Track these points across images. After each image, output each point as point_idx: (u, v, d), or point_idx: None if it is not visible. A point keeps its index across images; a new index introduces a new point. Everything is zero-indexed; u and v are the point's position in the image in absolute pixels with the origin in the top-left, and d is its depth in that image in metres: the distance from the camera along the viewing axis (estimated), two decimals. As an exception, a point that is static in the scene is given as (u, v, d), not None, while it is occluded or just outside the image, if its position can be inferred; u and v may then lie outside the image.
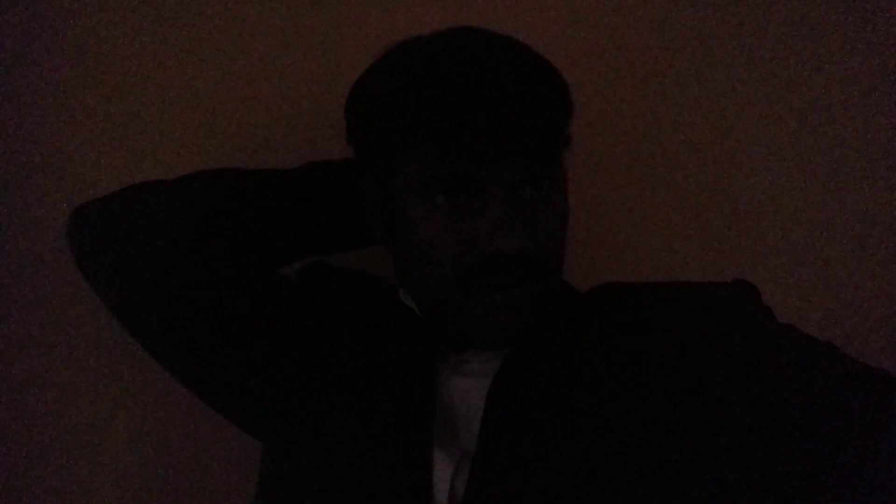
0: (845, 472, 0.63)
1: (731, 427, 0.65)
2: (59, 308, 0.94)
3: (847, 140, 0.97)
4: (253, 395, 0.80)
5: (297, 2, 0.97)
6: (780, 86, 0.98)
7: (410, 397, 0.73)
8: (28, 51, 0.95)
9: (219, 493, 0.96)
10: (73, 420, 0.95)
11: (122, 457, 0.95)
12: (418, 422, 0.71)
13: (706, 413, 0.66)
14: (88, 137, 0.96)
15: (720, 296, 0.72)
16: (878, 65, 0.97)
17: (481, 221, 0.67)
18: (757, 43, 0.98)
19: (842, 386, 0.66)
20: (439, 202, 0.68)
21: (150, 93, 0.96)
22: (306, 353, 0.79)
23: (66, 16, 0.95)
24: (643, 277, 0.94)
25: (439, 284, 0.69)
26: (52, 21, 0.95)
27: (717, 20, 0.98)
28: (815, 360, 0.67)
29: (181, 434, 0.96)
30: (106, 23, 0.96)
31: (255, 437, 0.84)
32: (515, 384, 0.71)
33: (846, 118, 0.97)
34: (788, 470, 0.64)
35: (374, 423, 0.73)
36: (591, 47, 0.98)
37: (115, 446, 0.95)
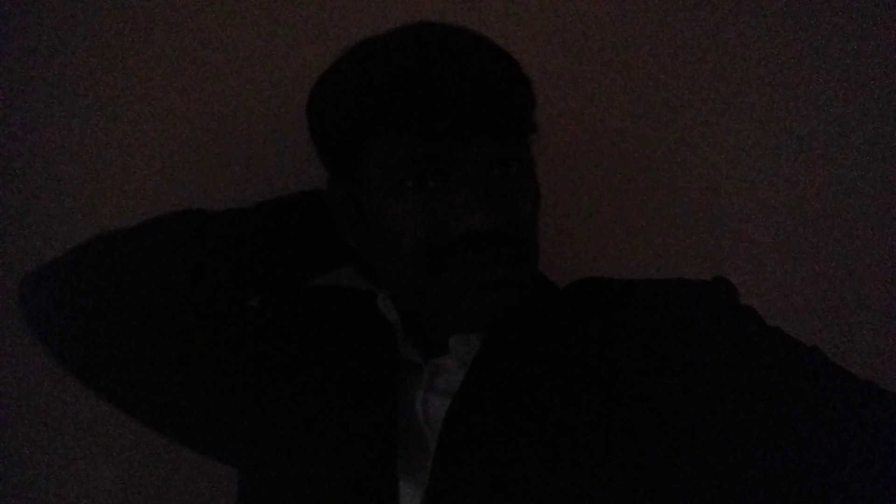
0: (824, 480, 0.61)
1: (707, 431, 0.63)
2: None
3: (841, 138, 0.97)
4: (221, 430, 0.79)
5: (291, 3, 0.98)
6: (771, 81, 0.98)
7: (374, 425, 0.72)
8: (28, 51, 0.96)
9: (220, 495, 0.96)
10: (71, 421, 0.95)
11: (118, 457, 0.96)
12: (382, 452, 0.70)
13: (683, 418, 0.64)
14: (88, 137, 0.97)
15: (699, 293, 0.71)
16: (876, 63, 0.96)
17: (452, 202, 0.67)
18: (746, 38, 0.98)
19: (824, 394, 0.64)
20: (408, 188, 0.67)
21: (148, 92, 0.97)
22: (274, 382, 0.78)
23: (65, 17, 0.96)
24: (627, 275, 0.94)
25: (414, 271, 0.68)
26: (50, 22, 0.96)
27: (704, 17, 0.98)
28: (799, 366, 0.66)
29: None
30: (103, 23, 0.97)
31: (227, 464, 0.83)
32: (478, 402, 0.69)
33: (840, 115, 0.97)
34: (762, 476, 0.63)
35: (339, 453, 0.72)
36: (577, 43, 0.98)
37: (110, 448, 0.95)
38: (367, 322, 0.79)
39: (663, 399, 0.65)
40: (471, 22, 0.74)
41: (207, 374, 0.78)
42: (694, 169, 0.98)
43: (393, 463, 0.69)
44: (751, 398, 0.64)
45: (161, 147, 0.97)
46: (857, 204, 0.97)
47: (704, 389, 0.65)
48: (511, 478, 0.65)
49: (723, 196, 0.98)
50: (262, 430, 0.77)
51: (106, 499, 0.95)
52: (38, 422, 0.94)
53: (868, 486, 0.60)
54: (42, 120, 0.96)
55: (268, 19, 0.97)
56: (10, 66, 0.96)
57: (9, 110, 0.96)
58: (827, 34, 0.97)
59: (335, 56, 0.74)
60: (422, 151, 0.67)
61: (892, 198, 0.96)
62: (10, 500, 0.93)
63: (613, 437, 0.64)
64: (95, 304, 0.75)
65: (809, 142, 0.98)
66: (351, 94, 0.69)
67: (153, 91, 0.97)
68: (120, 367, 0.76)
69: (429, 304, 0.70)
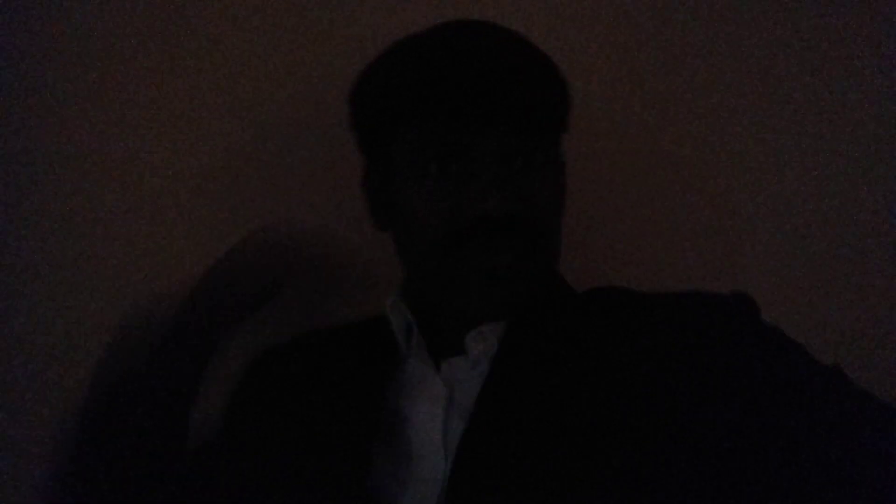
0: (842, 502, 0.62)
1: (729, 448, 0.63)
2: (59, 308, 0.95)
3: (847, 142, 0.97)
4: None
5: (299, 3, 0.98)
6: (782, 87, 0.97)
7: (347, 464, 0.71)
8: (30, 51, 0.96)
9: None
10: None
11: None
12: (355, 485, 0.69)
13: (702, 433, 0.64)
14: (90, 137, 0.97)
15: (723, 310, 0.71)
16: (878, 65, 0.97)
17: (470, 185, 0.68)
18: (757, 42, 0.98)
19: (845, 418, 0.64)
20: (431, 172, 0.69)
21: (152, 92, 0.97)
22: (271, 453, 0.77)
23: (67, 17, 0.96)
24: (638, 277, 0.94)
25: (431, 255, 0.70)
26: (52, 21, 0.96)
27: (716, 22, 0.99)
28: (820, 388, 0.66)
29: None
30: (106, 23, 0.97)
31: None
32: (496, 422, 0.68)
33: (846, 119, 0.97)
34: (782, 493, 0.63)
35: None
36: (589, 48, 0.98)
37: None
38: (365, 348, 0.79)
39: (689, 418, 0.64)
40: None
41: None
42: (702, 171, 0.98)
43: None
44: (772, 419, 0.64)
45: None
46: (872, 210, 0.96)
47: (728, 407, 0.64)
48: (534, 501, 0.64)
49: (731, 198, 0.98)
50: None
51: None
52: (37, 422, 0.94)
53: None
54: (46, 120, 0.96)
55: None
56: (12, 65, 0.96)
57: (12, 110, 0.96)
58: (846, 36, 0.97)
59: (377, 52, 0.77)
60: (446, 137, 0.69)
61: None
62: (10, 500, 0.93)
63: (640, 458, 0.64)
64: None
65: (821, 145, 0.97)
66: (387, 82, 0.72)
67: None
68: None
69: (443, 290, 0.71)
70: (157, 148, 0.97)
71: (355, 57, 0.79)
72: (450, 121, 0.68)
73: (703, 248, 0.98)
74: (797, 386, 0.66)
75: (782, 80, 0.98)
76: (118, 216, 0.96)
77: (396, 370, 0.77)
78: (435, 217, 0.69)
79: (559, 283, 0.78)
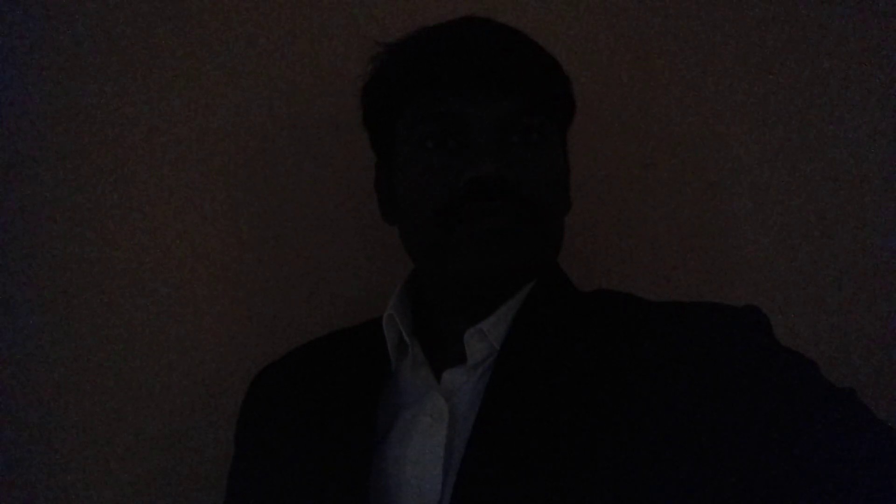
0: None
1: (732, 460, 0.63)
2: (59, 308, 0.95)
3: (849, 144, 0.97)
4: None
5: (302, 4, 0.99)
6: (781, 89, 0.98)
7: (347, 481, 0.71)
8: (28, 50, 0.96)
9: (217, 494, 0.97)
10: (72, 421, 0.95)
11: (118, 460, 0.96)
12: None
13: (711, 447, 0.64)
14: (91, 137, 0.97)
15: (735, 323, 0.71)
16: (878, 65, 0.97)
17: (465, 155, 0.71)
18: (758, 43, 0.98)
19: (855, 441, 0.64)
20: (429, 148, 0.72)
21: (152, 92, 0.97)
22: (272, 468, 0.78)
23: (67, 15, 0.96)
24: (637, 278, 0.95)
25: (428, 224, 0.72)
26: (51, 21, 0.96)
27: (715, 24, 0.99)
28: (830, 408, 0.66)
29: (180, 436, 0.96)
30: (107, 22, 0.97)
31: None
32: (501, 424, 0.68)
33: (847, 121, 0.98)
34: None
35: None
36: (590, 49, 0.99)
37: (112, 449, 0.95)
38: (365, 358, 0.79)
39: (698, 430, 0.64)
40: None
41: None
42: (707, 175, 0.98)
43: None
44: (779, 435, 0.64)
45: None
46: (874, 212, 0.96)
47: (736, 420, 0.64)
48: None
49: (726, 199, 0.98)
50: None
51: (104, 499, 0.95)
52: (38, 422, 0.94)
53: None
54: (46, 120, 0.96)
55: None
56: (13, 65, 0.96)
57: (12, 110, 0.96)
58: (846, 37, 0.97)
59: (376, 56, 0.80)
60: (442, 108, 0.71)
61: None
62: (10, 501, 0.93)
63: (651, 473, 0.63)
64: None
65: (822, 147, 0.97)
66: (388, 67, 0.76)
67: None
68: None
69: (440, 261, 0.72)
70: (160, 148, 0.97)
71: (359, 59, 0.80)
72: (443, 93, 0.71)
73: (702, 250, 0.98)
74: (806, 404, 0.65)
75: (784, 81, 0.98)
76: (119, 216, 0.97)
77: (391, 382, 0.77)
78: (432, 188, 0.71)
79: (562, 282, 0.78)
